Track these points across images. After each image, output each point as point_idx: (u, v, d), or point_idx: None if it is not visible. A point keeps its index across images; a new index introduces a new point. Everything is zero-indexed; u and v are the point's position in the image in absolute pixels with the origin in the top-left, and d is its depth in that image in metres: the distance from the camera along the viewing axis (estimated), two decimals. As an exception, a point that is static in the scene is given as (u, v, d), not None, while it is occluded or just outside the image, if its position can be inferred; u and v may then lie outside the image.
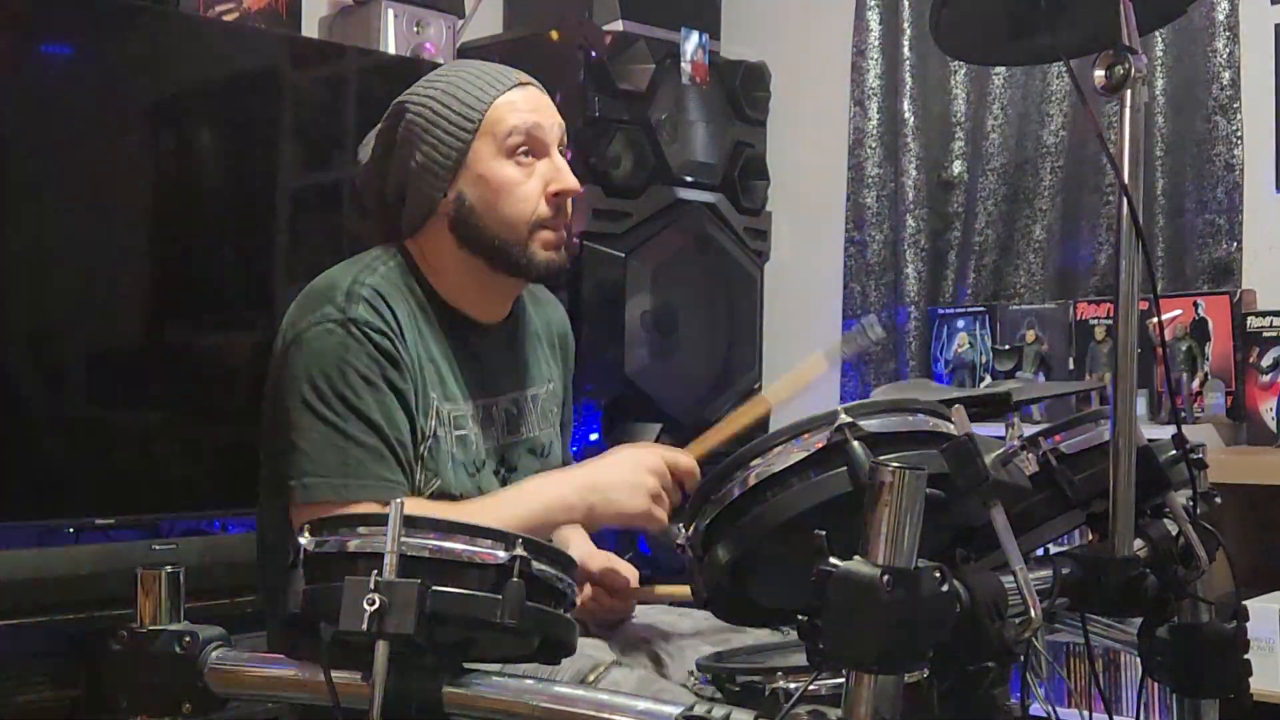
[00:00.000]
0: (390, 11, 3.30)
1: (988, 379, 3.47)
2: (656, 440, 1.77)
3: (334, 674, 1.19)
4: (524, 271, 1.82)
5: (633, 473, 1.70)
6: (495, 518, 1.61)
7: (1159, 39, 3.30)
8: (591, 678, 1.59)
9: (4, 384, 2.61)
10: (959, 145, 3.69)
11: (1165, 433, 1.56)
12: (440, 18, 3.42)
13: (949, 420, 1.29)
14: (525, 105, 1.80)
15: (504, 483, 1.82)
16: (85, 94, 2.70)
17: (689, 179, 3.63)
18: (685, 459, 1.75)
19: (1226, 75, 3.23)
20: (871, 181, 3.78)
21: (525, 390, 1.91)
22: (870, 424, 1.24)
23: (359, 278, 1.75)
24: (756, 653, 1.61)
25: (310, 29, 3.41)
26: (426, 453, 1.73)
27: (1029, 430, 1.41)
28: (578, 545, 2.00)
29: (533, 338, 1.95)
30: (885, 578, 1.03)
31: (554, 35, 3.47)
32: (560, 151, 1.83)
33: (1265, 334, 3.11)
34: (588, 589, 1.88)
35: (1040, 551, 1.47)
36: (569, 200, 1.83)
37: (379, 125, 1.85)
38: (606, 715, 1.16)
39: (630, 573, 1.93)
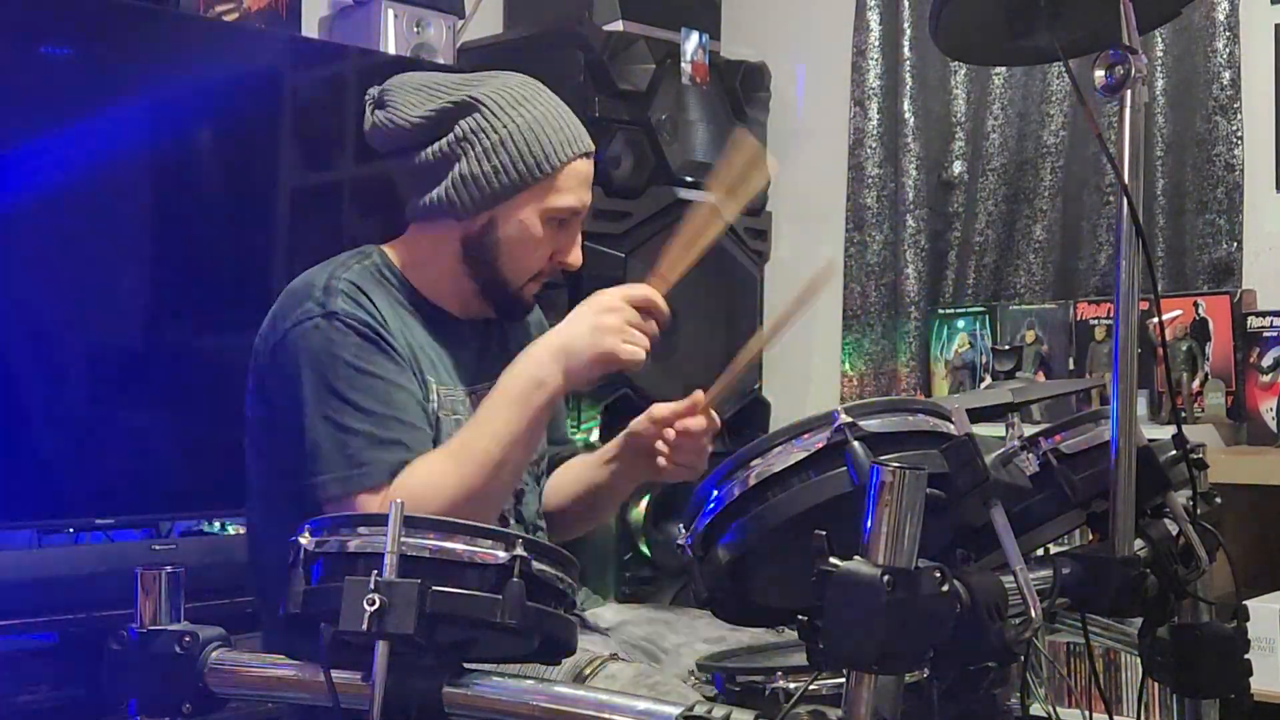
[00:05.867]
0: (390, 11, 3.30)
1: (988, 379, 3.47)
2: (600, 379, 1.75)
3: (334, 674, 1.19)
4: (507, 308, 1.87)
5: (592, 317, 1.70)
6: (489, 437, 1.66)
7: (1159, 39, 3.30)
8: (588, 670, 1.59)
9: (4, 384, 2.61)
10: (959, 145, 3.69)
11: (1165, 433, 1.56)
12: (440, 18, 3.42)
13: (949, 420, 1.29)
14: (583, 181, 1.82)
15: None
16: (85, 94, 2.70)
17: (689, 179, 3.63)
18: (640, 289, 1.76)
19: (1226, 75, 3.23)
20: (871, 181, 3.78)
21: None
22: (870, 424, 1.24)
23: (335, 274, 1.76)
24: (756, 653, 1.61)
25: (310, 29, 3.41)
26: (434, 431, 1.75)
27: (1029, 430, 1.41)
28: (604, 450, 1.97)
29: (512, 328, 1.96)
30: (885, 578, 1.03)
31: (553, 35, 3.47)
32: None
33: (1265, 334, 3.11)
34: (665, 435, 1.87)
35: (1040, 551, 1.47)
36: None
37: (439, 100, 1.78)
38: (606, 715, 1.16)
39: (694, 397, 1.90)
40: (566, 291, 3.35)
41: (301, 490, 1.68)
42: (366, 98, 1.82)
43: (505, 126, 1.76)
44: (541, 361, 1.69)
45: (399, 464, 1.66)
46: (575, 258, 1.84)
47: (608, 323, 1.69)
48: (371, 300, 1.74)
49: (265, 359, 1.75)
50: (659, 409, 1.89)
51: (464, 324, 1.87)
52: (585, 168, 1.82)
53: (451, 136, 1.76)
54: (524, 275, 1.82)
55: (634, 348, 1.69)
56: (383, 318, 1.73)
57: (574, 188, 1.80)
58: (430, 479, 1.64)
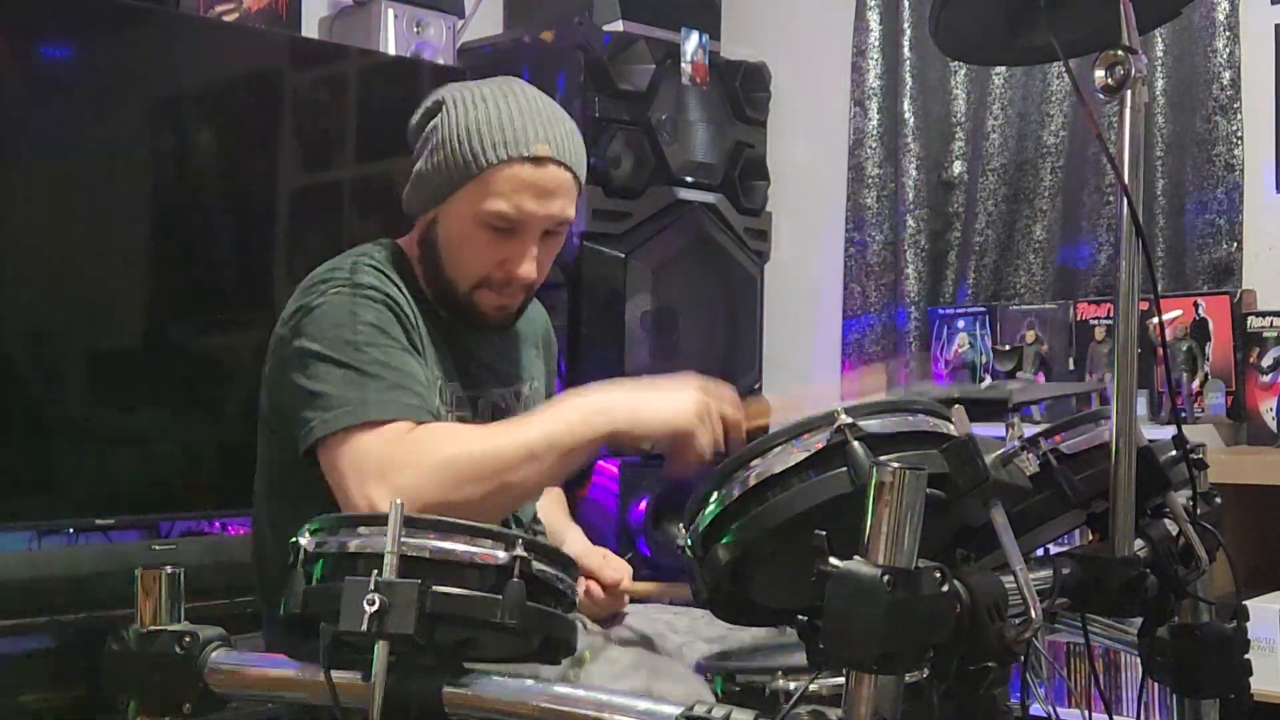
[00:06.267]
0: (390, 11, 3.30)
1: (988, 379, 3.47)
2: (651, 446, 1.71)
3: (334, 674, 1.19)
4: (464, 315, 1.81)
5: (680, 390, 1.63)
6: (536, 427, 1.61)
7: (1159, 39, 3.30)
8: (588, 654, 1.59)
9: (4, 384, 2.61)
10: (959, 145, 3.70)
11: (1165, 433, 1.55)
12: (440, 18, 3.42)
13: (949, 420, 1.29)
14: (524, 187, 1.72)
15: None
16: (85, 94, 2.70)
17: (689, 179, 3.63)
18: (734, 409, 1.67)
19: (1226, 75, 3.23)
20: (871, 181, 3.78)
21: (510, 387, 1.90)
22: (870, 424, 1.24)
23: (358, 260, 1.76)
24: (756, 653, 1.61)
25: (310, 29, 3.41)
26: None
27: (1029, 430, 1.41)
28: (573, 540, 2.00)
29: (517, 336, 1.95)
30: (885, 578, 1.03)
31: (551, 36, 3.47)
32: (553, 230, 1.78)
33: (1265, 334, 3.11)
34: (580, 583, 1.87)
35: (1040, 551, 1.47)
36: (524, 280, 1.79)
37: (427, 102, 1.80)
38: (606, 715, 1.16)
39: (623, 569, 1.92)
40: (566, 292, 3.37)
41: (309, 429, 1.62)
42: None
43: (450, 125, 1.74)
44: (618, 397, 1.63)
45: (414, 408, 1.62)
46: (525, 270, 1.76)
47: (697, 401, 1.62)
48: (394, 284, 1.75)
49: (284, 336, 1.72)
50: (586, 564, 1.85)
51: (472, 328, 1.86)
52: (528, 174, 1.72)
53: (423, 138, 1.78)
54: (467, 280, 1.77)
55: (705, 447, 1.61)
56: (403, 301, 1.73)
57: (509, 193, 1.71)
58: (455, 432, 1.61)
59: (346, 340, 1.65)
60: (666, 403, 1.61)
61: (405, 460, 1.55)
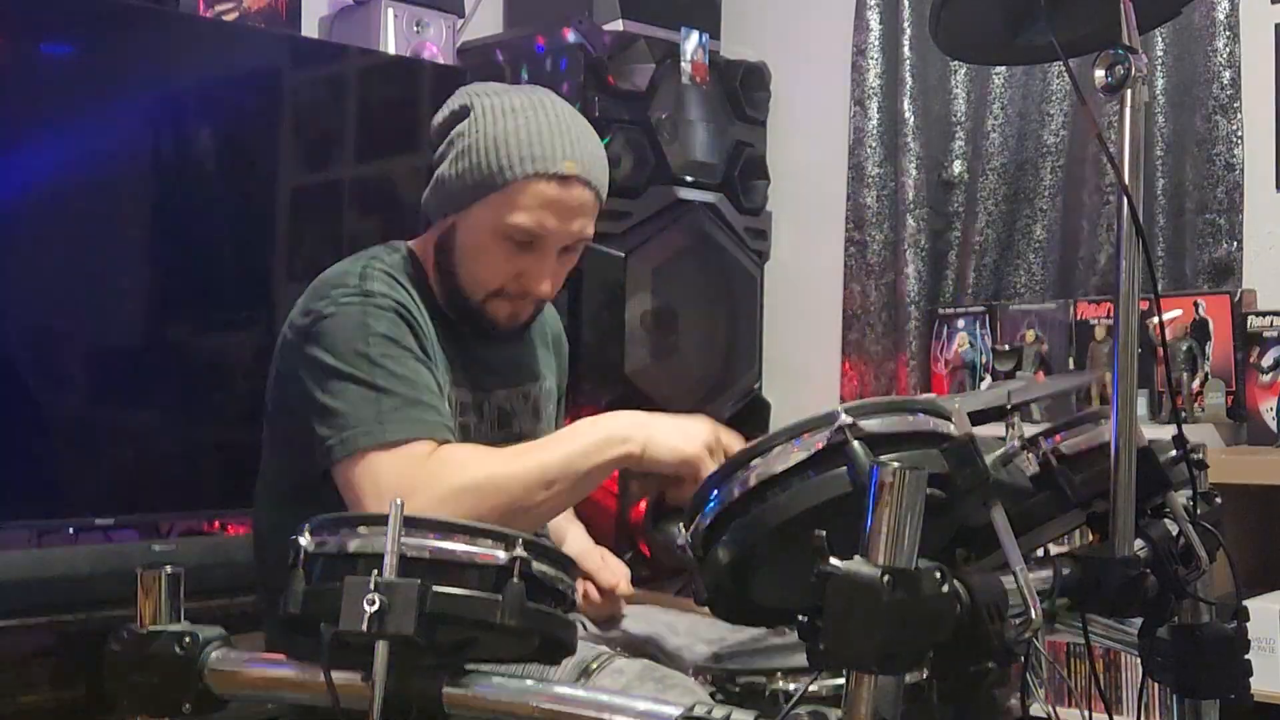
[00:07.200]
0: (390, 11, 3.30)
1: (988, 379, 3.47)
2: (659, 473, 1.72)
3: (334, 674, 1.19)
4: (475, 321, 1.81)
5: (688, 423, 1.66)
6: (553, 452, 1.63)
7: (1159, 39, 3.30)
8: (595, 665, 1.59)
9: (4, 384, 2.61)
10: (959, 145, 3.70)
11: (1165, 433, 1.55)
12: (440, 18, 3.42)
13: (949, 420, 1.29)
14: (548, 204, 1.73)
15: None
16: (85, 94, 2.70)
17: (689, 179, 3.63)
18: (739, 444, 1.68)
19: (1226, 75, 3.23)
20: (871, 181, 3.78)
21: (518, 388, 1.91)
22: (870, 424, 1.24)
23: (369, 264, 1.76)
24: (756, 653, 1.61)
25: (310, 29, 3.41)
26: None
27: (1029, 430, 1.41)
28: (574, 538, 2.00)
29: (526, 336, 1.95)
30: (885, 578, 1.03)
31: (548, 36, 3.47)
32: (571, 247, 1.80)
33: (1265, 334, 3.11)
34: (579, 584, 1.87)
35: (1040, 551, 1.47)
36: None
37: (452, 105, 1.79)
38: (607, 715, 1.16)
39: (621, 571, 1.92)
40: (566, 292, 3.36)
41: (316, 467, 1.63)
42: None
43: (478, 134, 1.74)
44: (631, 424, 1.65)
45: (432, 424, 1.63)
46: (544, 288, 1.78)
47: (705, 433, 1.65)
48: (405, 290, 1.75)
49: (294, 342, 1.72)
50: (585, 564, 1.87)
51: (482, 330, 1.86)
52: (554, 191, 1.73)
53: (447, 141, 1.77)
54: (481, 289, 1.78)
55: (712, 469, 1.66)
56: (413, 308, 1.74)
57: (533, 208, 1.72)
58: (476, 455, 1.62)
59: (360, 353, 1.65)
60: (678, 432, 1.64)
61: (424, 484, 1.56)
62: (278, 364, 1.76)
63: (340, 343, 1.66)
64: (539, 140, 1.73)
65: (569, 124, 1.77)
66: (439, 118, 1.80)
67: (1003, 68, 3.53)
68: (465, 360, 1.81)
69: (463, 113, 1.77)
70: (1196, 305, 3.17)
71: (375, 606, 1.13)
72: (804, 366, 3.93)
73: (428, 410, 1.64)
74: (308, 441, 1.66)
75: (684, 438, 1.63)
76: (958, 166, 3.69)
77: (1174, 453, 1.52)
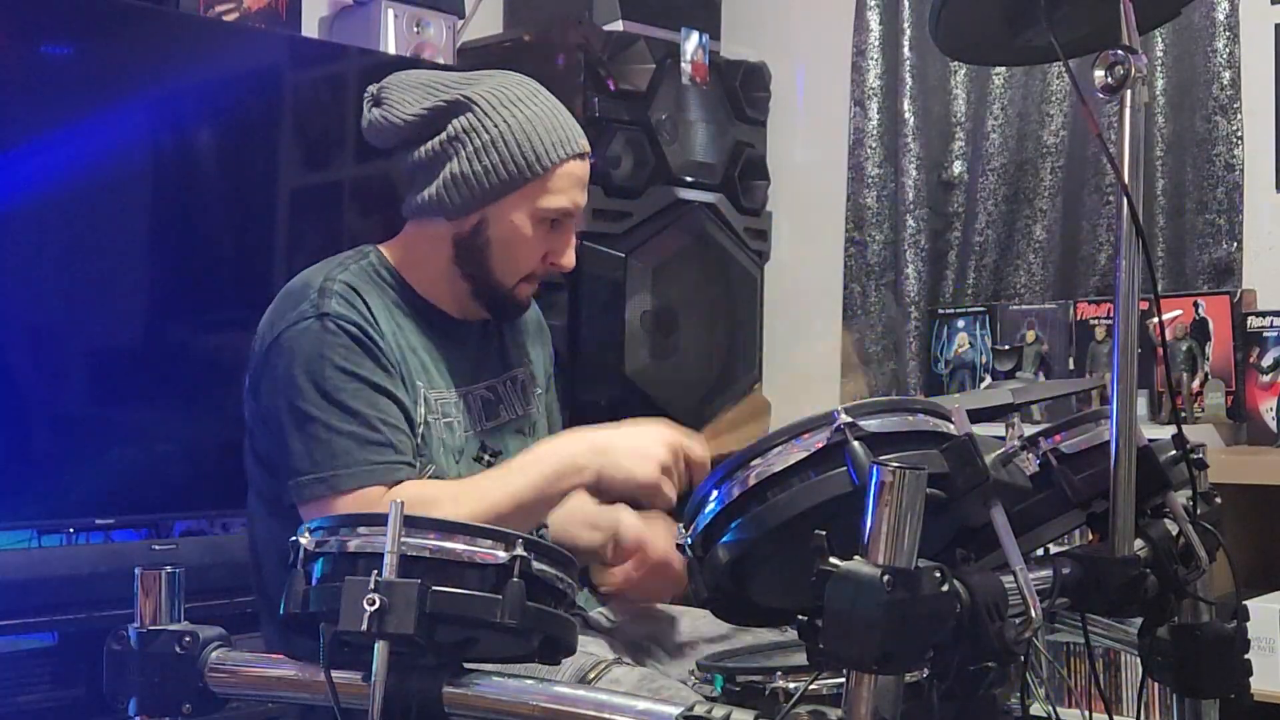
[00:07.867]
0: (390, 11, 3.30)
1: (988, 379, 3.47)
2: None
3: (334, 674, 1.19)
4: (500, 309, 1.86)
5: (646, 443, 1.69)
6: (503, 489, 1.65)
7: (1159, 39, 3.30)
8: (593, 675, 1.59)
9: (4, 384, 2.61)
10: (959, 145, 3.69)
11: (1165, 433, 1.56)
12: (440, 18, 3.42)
13: (949, 420, 1.29)
14: (576, 182, 1.81)
15: (488, 467, 1.82)
16: (85, 94, 2.70)
17: (689, 179, 3.63)
18: (699, 448, 1.73)
19: (1226, 75, 3.23)
20: (871, 181, 3.78)
21: (502, 375, 1.91)
22: (870, 424, 1.24)
23: (331, 274, 1.77)
24: (756, 653, 1.61)
25: (310, 29, 3.41)
26: (420, 439, 1.74)
27: (1029, 430, 1.41)
28: (627, 516, 1.94)
29: (510, 329, 1.96)
30: (885, 578, 1.03)
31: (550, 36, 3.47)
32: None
33: (1265, 334, 3.11)
34: (627, 566, 1.88)
35: (1040, 551, 1.47)
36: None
37: (434, 98, 1.78)
38: (606, 715, 1.16)
39: (665, 548, 1.88)
40: (566, 292, 3.36)
41: (287, 491, 1.68)
42: (365, 95, 1.83)
43: (497, 126, 1.76)
44: (586, 451, 1.68)
45: (385, 467, 1.66)
46: (569, 259, 1.84)
47: (661, 457, 1.68)
48: (366, 302, 1.75)
49: (260, 359, 1.75)
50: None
51: (460, 324, 1.87)
52: (579, 169, 1.81)
53: (444, 135, 1.77)
54: (515, 276, 1.82)
55: (671, 491, 1.69)
56: (375, 320, 1.74)
57: (566, 189, 1.79)
58: (423, 499, 1.63)
59: (317, 386, 1.67)
60: (634, 454, 1.67)
61: None
62: (250, 372, 1.78)
63: (299, 374, 1.69)
64: (561, 124, 1.80)
65: (557, 101, 1.84)
66: (414, 113, 1.77)
67: (1003, 68, 3.53)
68: (446, 356, 1.82)
69: (458, 108, 1.77)
70: (1196, 305, 3.17)
71: (375, 606, 1.13)
72: (804, 366, 3.93)
73: (382, 450, 1.67)
74: (271, 455, 1.72)
75: (640, 461, 1.67)
76: (958, 167, 3.69)
77: (1174, 453, 1.52)
